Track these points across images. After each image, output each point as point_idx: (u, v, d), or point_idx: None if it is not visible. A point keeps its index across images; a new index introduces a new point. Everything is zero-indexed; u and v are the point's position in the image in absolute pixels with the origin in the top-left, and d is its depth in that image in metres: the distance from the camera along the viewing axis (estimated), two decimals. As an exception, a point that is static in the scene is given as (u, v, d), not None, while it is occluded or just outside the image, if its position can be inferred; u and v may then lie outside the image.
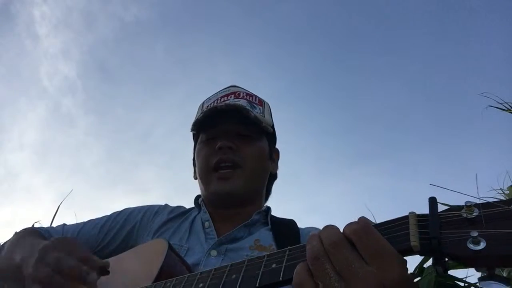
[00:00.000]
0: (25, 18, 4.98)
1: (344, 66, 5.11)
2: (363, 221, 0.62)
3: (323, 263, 0.61)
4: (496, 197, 2.18)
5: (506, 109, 2.56)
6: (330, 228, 0.65)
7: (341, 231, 0.64)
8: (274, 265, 0.71)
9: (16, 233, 1.25)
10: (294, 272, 0.64)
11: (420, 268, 1.77)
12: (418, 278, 1.71)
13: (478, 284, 1.58)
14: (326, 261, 0.61)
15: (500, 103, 2.56)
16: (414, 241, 0.58)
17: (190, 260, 1.09)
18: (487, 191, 2.24)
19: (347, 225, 0.63)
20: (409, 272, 0.61)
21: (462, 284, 1.74)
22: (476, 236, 0.54)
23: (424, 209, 0.62)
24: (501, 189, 2.25)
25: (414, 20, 4.63)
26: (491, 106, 2.58)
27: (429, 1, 4.50)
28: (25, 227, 1.28)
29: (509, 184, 2.25)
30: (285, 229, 1.25)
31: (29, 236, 1.20)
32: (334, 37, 5.02)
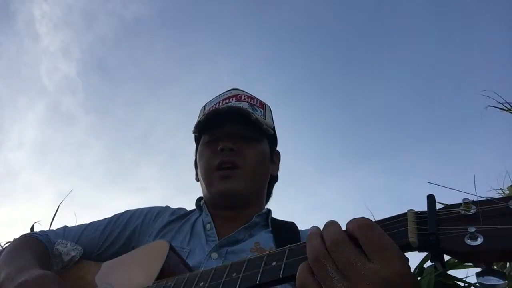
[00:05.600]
0: (25, 16, 5.00)
1: (343, 65, 5.12)
2: (365, 218, 0.62)
3: (324, 264, 0.60)
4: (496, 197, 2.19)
5: (506, 109, 2.56)
6: (332, 226, 0.64)
7: (343, 228, 0.64)
8: (274, 263, 0.71)
9: (14, 239, 1.25)
10: (297, 273, 0.63)
11: (420, 268, 1.78)
12: (418, 278, 1.71)
13: (476, 282, 1.59)
14: (327, 261, 0.60)
15: (500, 103, 2.56)
16: (412, 237, 0.59)
17: (191, 262, 1.10)
18: (487, 191, 2.24)
19: (350, 221, 0.63)
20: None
21: (462, 284, 1.75)
22: (473, 232, 0.54)
23: (424, 208, 0.63)
24: (501, 189, 2.26)
25: (414, 19, 4.64)
26: (491, 106, 2.58)
27: (429, 0, 4.52)
28: (24, 234, 1.27)
29: (509, 184, 2.25)
30: (285, 232, 1.25)
31: (23, 250, 1.17)
32: (335, 36, 5.04)
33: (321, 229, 0.66)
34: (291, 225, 1.30)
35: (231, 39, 5.17)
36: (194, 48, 5.17)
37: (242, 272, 0.75)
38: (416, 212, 0.62)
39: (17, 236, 1.28)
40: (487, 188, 2.27)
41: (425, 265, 1.75)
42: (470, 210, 0.58)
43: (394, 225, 0.62)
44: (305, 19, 4.95)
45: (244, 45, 5.22)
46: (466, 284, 1.74)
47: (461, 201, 0.60)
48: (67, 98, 5.39)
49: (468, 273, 1.75)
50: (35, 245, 1.21)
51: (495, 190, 2.26)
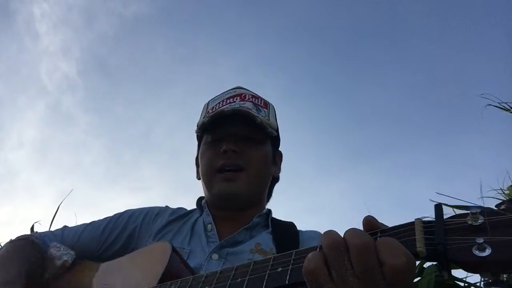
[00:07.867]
0: (25, 15, 4.97)
1: (343, 65, 5.11)
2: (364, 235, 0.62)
3: (342, 254, 0.60)
4: (496, 197, 2.19)
5: (506, 109, 2.56)
6: (351, 230, 0.63)
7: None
8: (280, 269, 0.71)
9: (10, 241, 1.25)
10: (306, 259, 0.63)
11: (420, 268, 1.79)
12: (418, 278, 1.72)
13: (477, 282, 1.60)
14: (345, 252, 0.60)
15: (500, 103, 2.56)
16: (420, 246, 0.59)
17: (191, 263, 1.09)
18: (487, 191, 2.24)
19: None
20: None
21: (462, 284, 1.75)
22: (481, 243, 0.54)
23: (424, 207, 0.63)
24: (501, 189, 2.25)
25: (414, 20, 4.63)
26: (491, 105, 2.58)
27: (429, 1, 4.51)
28: (20, 236, 1.27)
29: (509, 184, 2.25)
30: (285, 232, 1.25)
31: (13, 258, 1.17)
32: (335, 36, 5.02)
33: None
34: (291, 226, 1.30)
35: (231, 39, 5.16)
36: (194, 46, 5.15)
37: (247, 276, 0.75)
38: (424, 221, 0.63)
39: (16, 236, 1.28)
40: (487, 188, 2.27)
41: (425, 265, 1.76)
42: (478, 220, 0.58)
43: (401, 234, 0.62)
44: (306, 18, 4.93)
45: (244, 45, 5.21)
46: (466, 284, 1.74)
47: (462, 200, 0.60)
48: (67, 97, 5.38)
49: (468, 273, 1.76)
50: (28, 252, 1.21)
51: (495, 190, 2.26)
